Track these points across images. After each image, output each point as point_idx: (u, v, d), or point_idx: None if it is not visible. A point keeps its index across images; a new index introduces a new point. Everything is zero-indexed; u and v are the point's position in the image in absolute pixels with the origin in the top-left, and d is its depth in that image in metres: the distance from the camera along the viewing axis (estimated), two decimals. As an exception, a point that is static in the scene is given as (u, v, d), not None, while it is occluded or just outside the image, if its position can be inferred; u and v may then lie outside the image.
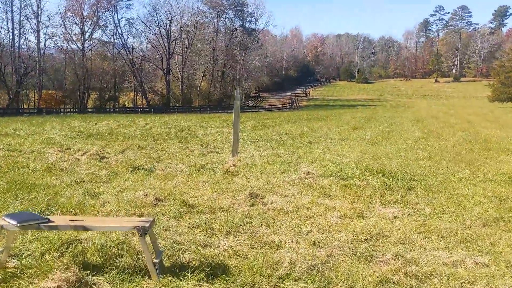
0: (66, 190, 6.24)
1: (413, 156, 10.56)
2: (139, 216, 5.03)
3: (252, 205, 5.74)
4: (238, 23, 79.02)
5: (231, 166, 8.85)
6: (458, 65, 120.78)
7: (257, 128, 18.66)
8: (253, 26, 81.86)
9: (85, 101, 60.78)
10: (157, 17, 63.57)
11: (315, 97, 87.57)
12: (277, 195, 6.33)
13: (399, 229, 4.76)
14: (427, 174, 8.04)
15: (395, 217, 5.25)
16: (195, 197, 6.14)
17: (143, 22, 65.20)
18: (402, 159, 10.03)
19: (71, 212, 5.16)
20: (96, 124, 19.91)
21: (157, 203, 5.67)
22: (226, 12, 74.88)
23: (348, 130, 17.65)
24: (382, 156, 10.39)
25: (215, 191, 6.44)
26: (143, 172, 8.05)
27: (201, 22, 69.88)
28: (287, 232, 4.62)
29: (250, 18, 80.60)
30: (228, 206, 5.64)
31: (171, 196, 6.07)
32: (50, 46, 58.13)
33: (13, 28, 52.07)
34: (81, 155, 10.01)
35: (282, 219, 5.09)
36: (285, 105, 66.65)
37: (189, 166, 8.81)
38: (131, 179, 7.27)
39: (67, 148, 11.15)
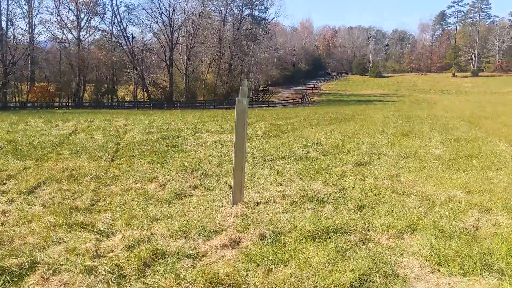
0: None
1: None
2: None
3: None
4: (247, 11, 74.06)
5: (225, 247, 3.87)
6: (477, 59, 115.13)
7: (271, 134, 13.53)
8: (262, 15, 76.81)
9: (80, 94, 56.05)
10: (159, 3, 58.58)
11: (327, 91, 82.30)
12: None
13: None
14: None
15: None
16: None
17: (143, 8, 60.40)
18: None
19: None
20: (57, 125, 14.95)
21: None
22: (234, 0, 69.72)
23: (399, 138, 12.53)
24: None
25: None
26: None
27: (207, 10, 64.70)
28: None
29: (260, 6, 75.42)
30: None
31: None
32: (41, 33, 53.40)
33: (-1, 13, 47.34)
34: None
35: None
36: (296, 100, 61.49)
37: (130, 248, 3.82)
38: None
39: None
